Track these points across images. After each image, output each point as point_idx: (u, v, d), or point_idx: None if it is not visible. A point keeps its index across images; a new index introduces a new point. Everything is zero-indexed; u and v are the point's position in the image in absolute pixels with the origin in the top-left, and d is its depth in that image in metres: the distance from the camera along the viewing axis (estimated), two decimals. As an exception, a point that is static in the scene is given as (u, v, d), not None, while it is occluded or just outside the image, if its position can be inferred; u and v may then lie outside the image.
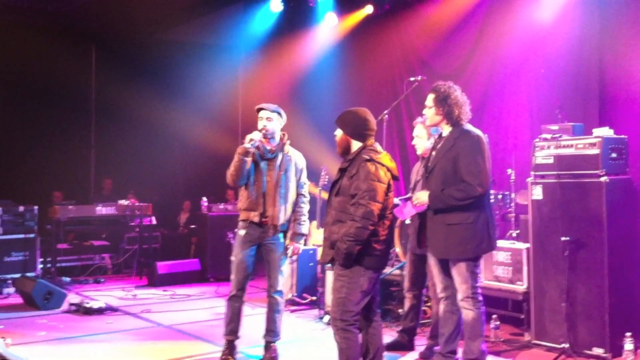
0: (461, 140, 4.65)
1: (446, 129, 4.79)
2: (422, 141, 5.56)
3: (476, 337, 4.65)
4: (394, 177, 4.38)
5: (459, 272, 4.64)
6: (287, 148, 5.50)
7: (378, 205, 4.18)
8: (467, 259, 4.60)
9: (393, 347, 5.65)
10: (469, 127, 4.75)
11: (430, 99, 4.80)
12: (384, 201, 4.25)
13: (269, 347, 5.47)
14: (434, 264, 4.88)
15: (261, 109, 5.43)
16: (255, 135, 5.21)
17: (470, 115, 4.80)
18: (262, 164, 5.37)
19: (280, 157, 5.40)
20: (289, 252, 5.44)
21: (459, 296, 4.69)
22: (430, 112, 4.80)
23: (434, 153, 4.82)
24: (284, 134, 5.51)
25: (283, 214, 5.36)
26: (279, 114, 5.43)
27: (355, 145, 4.41)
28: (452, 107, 4.70)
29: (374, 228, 4.20)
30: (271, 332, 5.47)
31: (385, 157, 4.37)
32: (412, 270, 5.70)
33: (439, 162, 4.71)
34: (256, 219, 5.32)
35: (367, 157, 4.27)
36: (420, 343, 5.69)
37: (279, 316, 5.48)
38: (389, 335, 5.80)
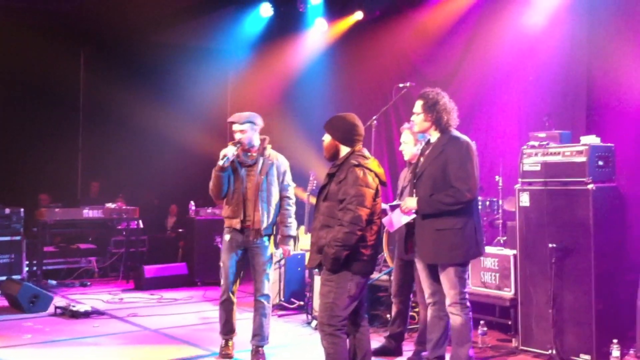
0: (450, 147, 4.67)
1: (434, 135, 4.80)
2: (409, 147, 5.57)
3: (464, 343, 4.66)
4: (382, 183, 4.38)
5: (447, 277, 4.66)
6: (269, 152, 5.56)
7: (366, 211, 4.19)
8: (455, 264, 4.62)
9: (381, 352, 5.65)
10: (457, 133, 4.78)
11: (418, 105, 4.81)
12: (372, 206, 4.26)
13: (257, 351, 5.49)
14: (421, 269, 4.89)
15: (231, 122, 5.51)
16: (229, 151, 5.28)
17: (458, 122, 4.82)
18: (242, 171, 5.44)
19: (261, 161, 5.47)
20: (278, 254, 5.49)
21: (447, 301, 4.70)
22: (418, 118, 4.81)
23: (422, 159, 4.83)
24: (264, 138, 5.58)
25: (266, 218, 5.42)
26: (252, 122, 5.47)
27: (344, 150, 4.41)
28: (441, 113, 4.72)
29: (362, 233, 4.20)
30: (258, 336, 5.50)
31: (373, 163, 4.38)
32: (399, 276, 5.71)
33: (427, 168, 4.72)
34: (238, 226, 5.40)
35: (356, 163, 4.28)
36: (408, 348, 5.69)
37: (267, 320, 5.52)
38: (376, 341, 5.81)
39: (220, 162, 5.26)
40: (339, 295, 4.23)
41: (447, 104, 4.78)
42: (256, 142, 5.51)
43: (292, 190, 5.68)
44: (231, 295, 5.51)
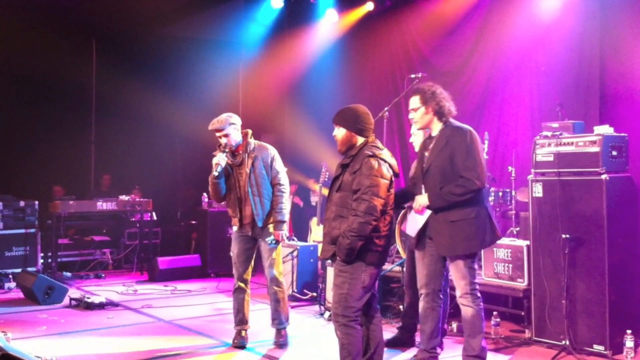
0: (454, 137, 4.66)
1: (436, 127, 4.77)
2: (419, 139, 5.55)
3: (476, 334, 4.67)
4: (395, 174, 4.39)
5: (457, 268, 4.66)
6: (252, 146, 5.68)
7: (380, 201, 4.19)
8: (465, 255, 4.62)
9: (393, 343, 5.67)
10: (458, 123, 4.78)
11: (416, 100, 4.77)
12: (386, 197, 4.26)
13: (279, 332, 5.79)
14: (419, 259, 4.89)
15: (212, 129, 5.63)
16: (221, 160, 5.48)
17: (456, 112, 4.81)
18: (234, 172, 5.66)
19: (245, 157, 5.63)
20: (269, 239, 5.64)
21: (458, 293, 4.70)
22: (419, 113, 4.76)
23: (426, 154, 4.79)
24: (245, 133, 5.70)
25: (260, 210, 5.61)
26: (233, 124, 5.58)
27: (359, 141, 4.41)
28: (442, 101, 4.72)
29: (376, 224, 4.21)
30: (276, 320, 5.77)
31: (386, 154, 4.39)
32: (411, 267, 5.72)
33: (434, 161, 4.69)
34: (238, 224, 5.70)
35: (370, 153, 4.28)
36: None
37: (281, 304, 5.75)
38: (389, 332, 5.83)
39: (215, 173, 5.47)
40: (353, 286, 4.25)
41: (444, 92, 4.78)
42: (239, 140, 5.65)
43: (283, 175, 5.75)
44: (242, 284, 5.71)
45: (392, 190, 4.36)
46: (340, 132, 4.45)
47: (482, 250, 6.23)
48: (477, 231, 4.61)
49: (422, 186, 4.74)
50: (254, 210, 5.57)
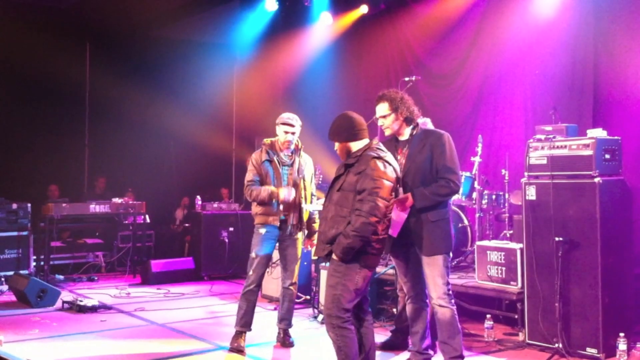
0: (431, 140, 4.75)
1: (406, 132, 4.86)
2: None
3: (456, 334, 4.74)
4: (397, 178, 4.39)
5: (436, 267, 4.70)
6: (302, 153, 5.86)
7: (385, 203, 4.19)
8: (444, 254, 4.71)
9: (387, 346, 5.67)
10: (430, 125, 4.89)
11: (384, 107, 4.81)
12: (389, 200, 4.26)
13: (286, 332, 5.85)
14: (398, 263, 4.95)
15: (287, 123, 5.68)
16: (290, 196, 5.60)
17: (420, 115, 4.91)
18: (282, 170, 5.70)
19: (297, 161, 5.76)
20: (302, 247, 5.87)
21: (435, 294, 4.73)
22: (389, 120, 4.80)
23: (403, 160, 4.80)
24: (297, 140, 5.85)
25: (304, 215, 5.78)
26: (300, 125, 5.76)
27: (355, 145, 4.40)
28: (410, 106, 4.81)
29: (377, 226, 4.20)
30: (286, 320, 5.85)
31: (390, 157, 4.39)
32: None
33: (413, 163, 4.74)
34: (276, 223, 5.66)
35: (375, 155, 4.27)
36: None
37: (292, 305, 5.91)
38: (382, 335, 5.82)
39: (282, 197, 5.55)
40: (346, 287, 4.24)
41: (408, 96, 4.89)
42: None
43: (314, 189, 6.03)
44: (257, 287, 5.70)
45: (393, 194, 4.35)
46: (337, 146, 4.53)
47: (476, 253, 6.26)
48: (450, 231, 4.77)
49: (400, 187, 4.73)
50: (302, 213, 5.73)
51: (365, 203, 4.15)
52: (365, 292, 4.42)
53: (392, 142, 4.91)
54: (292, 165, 5.75)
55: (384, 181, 4.20)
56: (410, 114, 4.80)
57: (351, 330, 4.29)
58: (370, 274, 4.33)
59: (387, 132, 4.96)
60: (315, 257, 6.80)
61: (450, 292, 4.76)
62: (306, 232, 5.90)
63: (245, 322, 5.62)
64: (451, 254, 4.90)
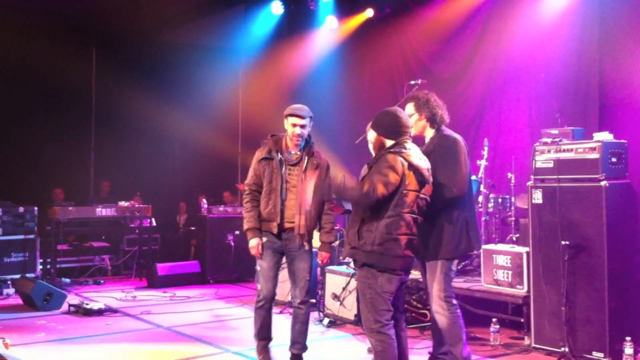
0: (439, 144, 4.74)
1: (429, 134, 4.86)
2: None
3: (457, 342, 4.65)
4: (425, 179, 4.28)
5: (431, 271, 4.69)
6: (313, 150, 5.15)
7: (382, 189, 4.06)
8: (442, 259, 4.65)
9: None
10: (448, 131, 4.85)
11: (410, 107, 4.85)
12: (393, 190, 4.13)
13: (299, 358, 5.19)
14: (422, 270, 4.92)
15: (295, 114, 5.02)
16: (252, 251, 5.05)
17: (449, 119, 4.86)
18: (284, 170, 5.01)
19: (305, 160, 5.04)
20: (318, 259, 5.22)
21: (431, 300, 4.73)
22: (412, 120, 4.77)
23: None
24: (309, 135, 5.15)
25: (312, 222, 5.05)
26: (311, 117, 5.08)
27: (390, 143, 4.32)
28: (435, 109, 4.80)
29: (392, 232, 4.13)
30: (298, 344, 5.17)
31: (414, 154, 4.27)
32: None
33: None
34: (275, 230, 5.00)
35: (394, 150, 4.21)
36: (421, 346, 5.71)
37: (305, 327, 5.18)
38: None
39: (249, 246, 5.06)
40: (375, 291, 4.16)
41: (438, 100, 4.85)
42: (305, 137, 5.10)
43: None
44: (269, 301, 5.10)
45: (411, 194, 4.19)
46: (371, 135, 4.46)
47: (482, 257, 6.24)
48: (452, 238, 4.64)
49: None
50: (308, 220, 4.98)
51: (363, 184, 4.13)
52: (397, 297, 4.36)
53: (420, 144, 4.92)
54: (298, 163, 5.02)
55: (389, 170, 4.10)
56: (433, 117, 4.78)
57: (389, 335, 4.19)
58: (395, 277, 4.20)
59: (412, 132, 4.96)
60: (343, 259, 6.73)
61: (449, 299, 4.67)
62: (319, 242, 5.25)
63: (263, 336, 5.17)
64: (455, 261, 4.79)
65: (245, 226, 5.06)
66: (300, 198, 4.95)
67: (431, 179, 4.35)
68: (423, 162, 4.30)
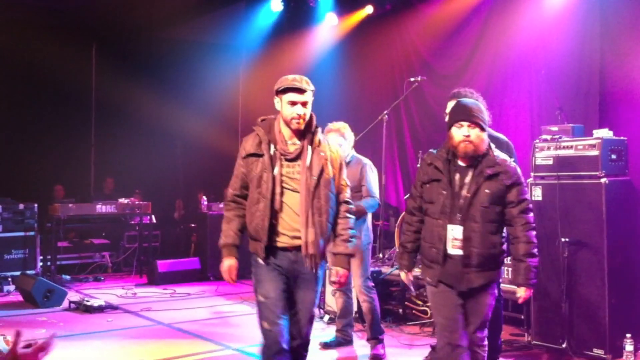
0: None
1: None
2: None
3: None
4: None
5: None
6: (319, 138, 3.75)
7: None
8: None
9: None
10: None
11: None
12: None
13: None
14: None
15: (293, 88, 3.77)
16: (224, 275, 3.85)
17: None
18: (276, 170, 3.64)
19: (309, 152, 3.68)
20: (333, 278, 3.89)
21: None
22: None
23: None
24: (311, 115, 3.77)
25: (326, 236, 3.70)
26: (313, 89, 3.83)
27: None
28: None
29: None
30: None
31: None
32: None
33: None
34: (261, 254, 3.68)
35: (510, 159, 3.84)
36: (421, 343, 5.71)
37: None
38: (389, 336, 5.81)
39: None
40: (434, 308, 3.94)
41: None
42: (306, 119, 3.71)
43: (349, 191, 3.89)
44: (286, 352, 3.63)
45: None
46: (475, 134, 3.65)
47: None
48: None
49: None
50: (317, 235, 3.60)
51: (528, 213, 3.77)
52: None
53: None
54: (298, 157, 3.67)
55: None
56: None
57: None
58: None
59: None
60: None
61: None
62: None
63: None
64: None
65: (220, 241, 3.88)
66: (306, 205, 3.60)
67: None
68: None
